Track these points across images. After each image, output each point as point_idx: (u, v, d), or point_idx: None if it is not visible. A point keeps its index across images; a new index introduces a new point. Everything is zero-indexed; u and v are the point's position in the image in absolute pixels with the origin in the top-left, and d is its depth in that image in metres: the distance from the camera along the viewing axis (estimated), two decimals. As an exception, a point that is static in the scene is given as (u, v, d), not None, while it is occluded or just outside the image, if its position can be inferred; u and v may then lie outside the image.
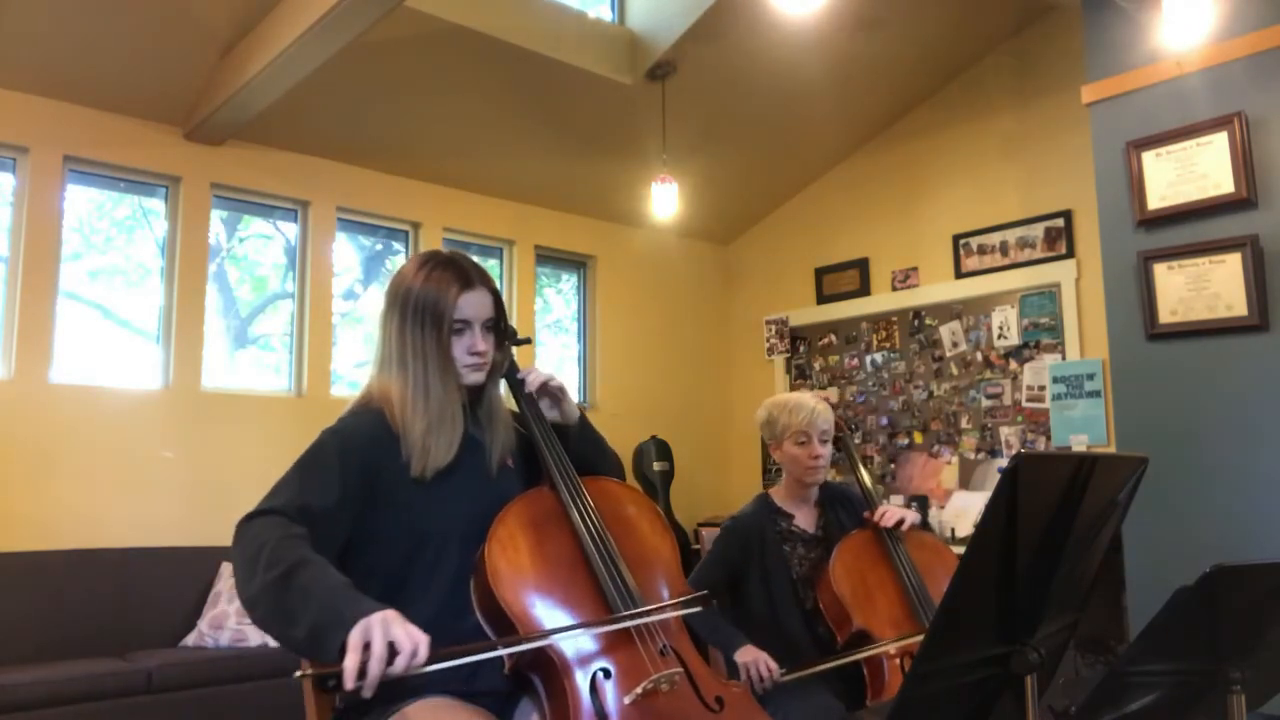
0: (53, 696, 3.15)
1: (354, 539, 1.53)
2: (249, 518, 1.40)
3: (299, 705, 1.63)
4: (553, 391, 1.74)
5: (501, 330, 1.67)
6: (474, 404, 1.66)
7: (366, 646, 1.18)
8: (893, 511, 2.28)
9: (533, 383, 1.72)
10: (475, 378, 1.62)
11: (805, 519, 2.39)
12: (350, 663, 1.16)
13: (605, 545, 1.56)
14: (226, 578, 3.89)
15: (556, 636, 1.43)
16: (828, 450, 2.33)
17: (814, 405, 2.33)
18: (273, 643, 3.67)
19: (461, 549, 1.53)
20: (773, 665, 2.06)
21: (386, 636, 1.19)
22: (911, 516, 2.30)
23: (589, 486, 1.65)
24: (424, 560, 1.53)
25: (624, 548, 1.59)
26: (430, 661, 1.24)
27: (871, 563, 2.23)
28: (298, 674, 1.19)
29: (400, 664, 1.19)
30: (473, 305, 1.60)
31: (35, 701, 3.12)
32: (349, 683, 1.16)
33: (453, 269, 1.61)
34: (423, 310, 1.58)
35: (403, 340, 1.58)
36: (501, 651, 1.41)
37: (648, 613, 1.50)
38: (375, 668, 1.17)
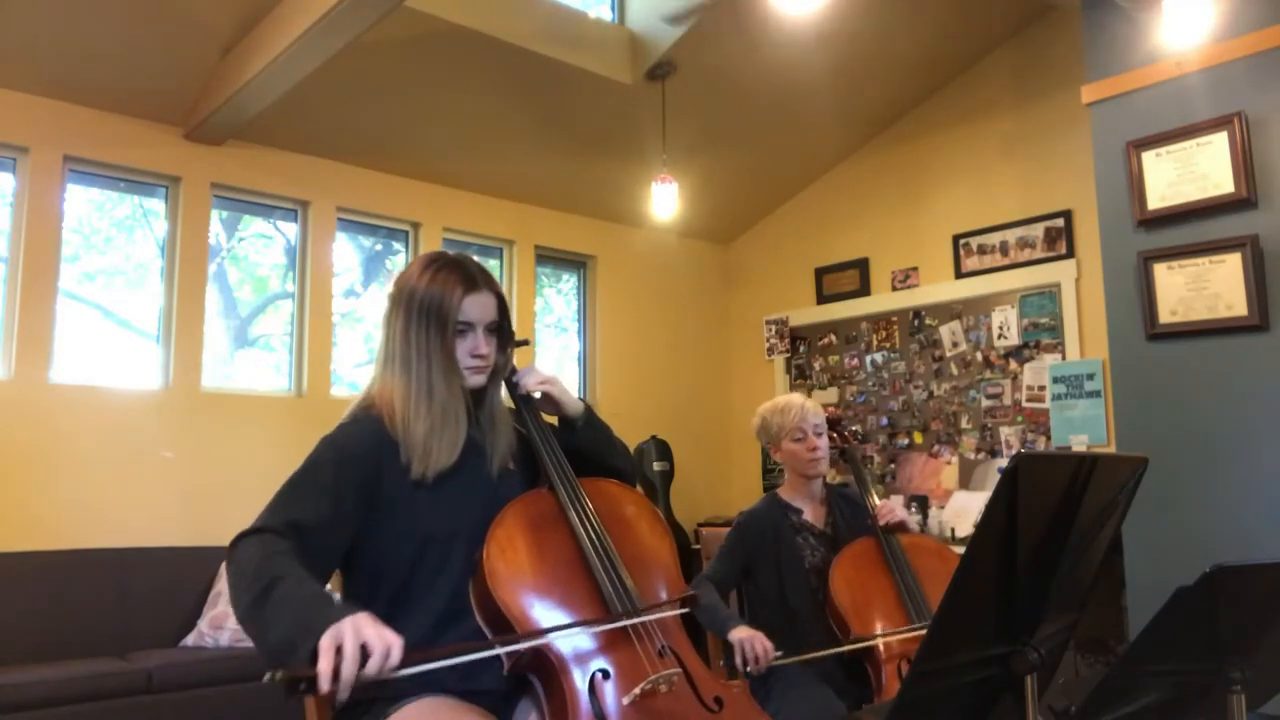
0: (53, 696, 3.15)
1: (358, 545, 1.53)
2: (240, 538, 1.42)
3: (299, 705, 1.63)
4: (549, 399, 1.72)
5: (505, 333, 1.66)
6: (475, 407, 1.65)
7: (339, 650, 1.18)
8: (896, 510, 2.38)
9: (531, 385, 1.71)
10: (477, 380, 1.62)
11: (813, 515, 2.47)
12: (323, 665, 1.17)
13: (603, 546, 1.56)
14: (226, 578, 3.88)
15: (551, 636, 1.43)
16: (824, 442, 2.44)
17: (801, 402, 2.46)
18: (273, 643, 3.70)
19: (465, 552, 1.53)
20: (768, 645, 2.07)
21: (358, 639, 1.19)
22: (906, 518, 2.41)
23: (587, 488, 1.65)
24: (428, 563, 1.53)
25: (622, 549, 1.59)
26: (418, 662, 1.26)
27: (870, 571, 2.29)
28: (266, 677, 1.17)
29: (373, 666, 1.19)
30: (477, 307, 1.60)
31: (35, 701, 3.11)
32: (323, 685, 1.16)
33: (458, 271, 1.61)
34: (427, 311, 1.57)
35: (407, 341, 1.58)
36: (497, 650, 1.41)
37: (640, 613, 1.50)
38: (349, 669, 1.17)
